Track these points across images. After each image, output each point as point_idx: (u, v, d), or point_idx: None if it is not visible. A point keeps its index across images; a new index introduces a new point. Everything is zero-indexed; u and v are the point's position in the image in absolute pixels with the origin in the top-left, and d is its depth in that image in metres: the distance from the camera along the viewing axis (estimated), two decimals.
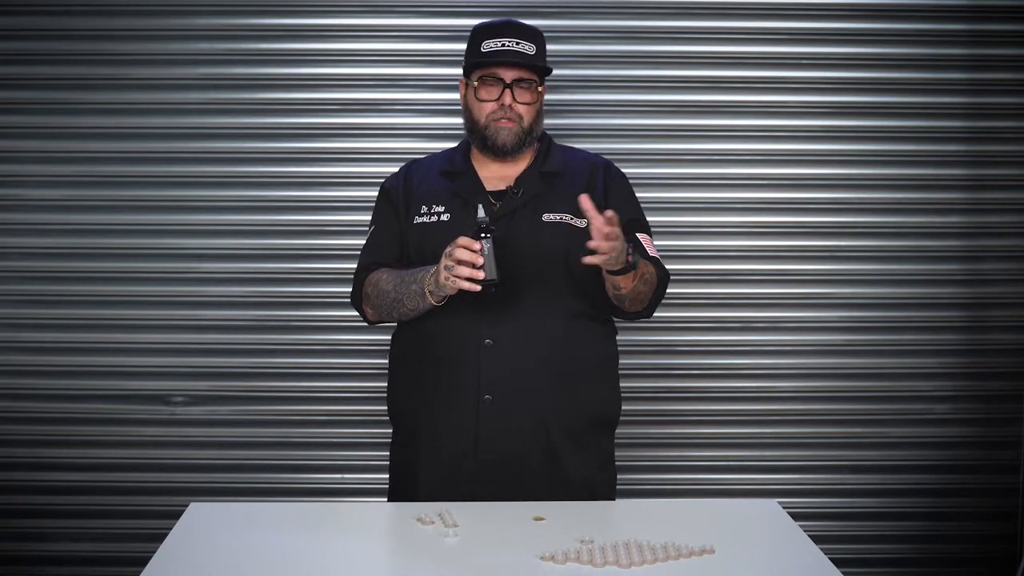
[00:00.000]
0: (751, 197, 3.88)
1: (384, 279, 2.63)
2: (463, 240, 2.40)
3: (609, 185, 2.71)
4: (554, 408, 2.59)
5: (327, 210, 3.84)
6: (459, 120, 3.74)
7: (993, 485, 3.94)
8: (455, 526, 2.31)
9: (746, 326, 3.91)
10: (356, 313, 2.79)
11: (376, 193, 3.76)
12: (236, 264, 3.84)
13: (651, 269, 2.59)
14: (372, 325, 2.83)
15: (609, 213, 2.33)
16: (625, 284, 2.49)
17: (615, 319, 2.74)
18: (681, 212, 3.82)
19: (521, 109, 2.62)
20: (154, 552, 2.21)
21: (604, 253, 2.34)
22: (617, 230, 2.34)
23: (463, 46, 3.74)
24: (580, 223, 2.60)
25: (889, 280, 3.91)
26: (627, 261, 2.42)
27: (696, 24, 3.84)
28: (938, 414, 3.94)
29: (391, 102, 3.84)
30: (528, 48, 2.62)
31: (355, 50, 3.82)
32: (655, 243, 2.71)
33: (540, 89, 2.65)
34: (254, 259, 3.85)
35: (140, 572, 2.11)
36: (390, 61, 3.83)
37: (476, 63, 2.64)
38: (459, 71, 3.74)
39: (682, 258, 3.79)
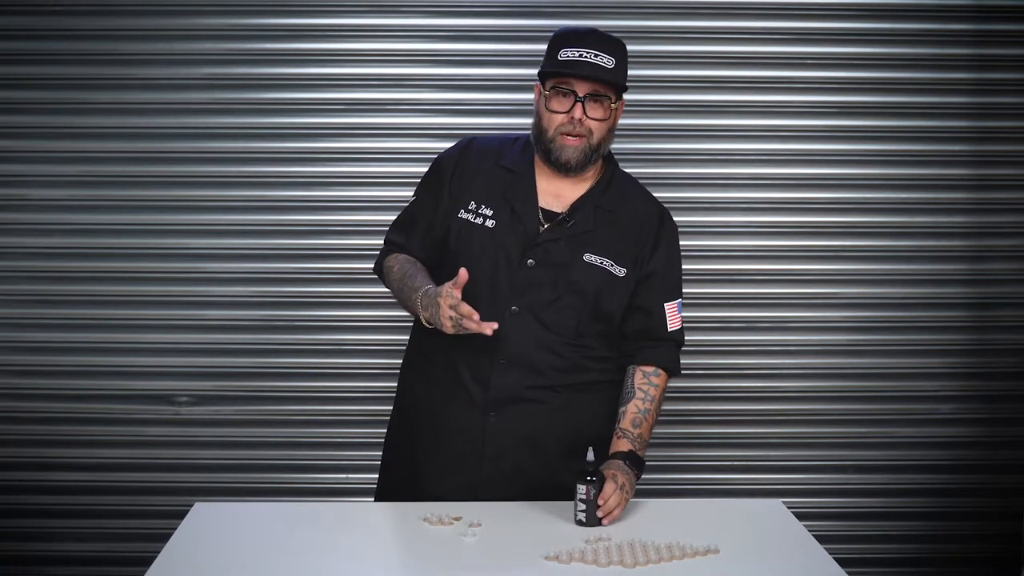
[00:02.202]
0: (755, 197, 3.87)
1: (396, 270, 2.62)
2: (468, 310, 2.36)
3: (658, 244, 2.66)
4: (561, 432, 2.57)
5: (332, 210, 3.84)
6: (465, 120, 3.80)
7: (998, 485, 3.94)
8: (477, 526, 2.31)
9: (750, 326, 3.91)
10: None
11: (375, 193, 3.76)
12: (240, 264, 3.84)
13: (654, 410, 2.61)
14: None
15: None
16: None
17: None
18: (686, 212, 3.80)
19: (592, 125, 2.51)
20: (159, 552, 2.22)
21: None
22: (613, 501, 2.38)
23: (468, 45, 3.79)
24: (619, 272, 2.58)
25: (894, 280, 3.90)
26: (637, 477, 2.50)
27: (701, 24, 3.83)
28: (943, 414, 3.94)
29: (396, 102, 3.84)
30: (607, 61, 2.49)
31: (360, 50, 3.82)
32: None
33: (615, 106, 2.54)
34: (258, 259, 3.85)
35: (144, 572, 2.11)
36: (395, 61, 3.83)
37: (551, 72, 2.51)
38: (464, 71, 3.80)
39: (687, 258, 3.76)
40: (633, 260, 2.61)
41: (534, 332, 2.54)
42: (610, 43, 2.54)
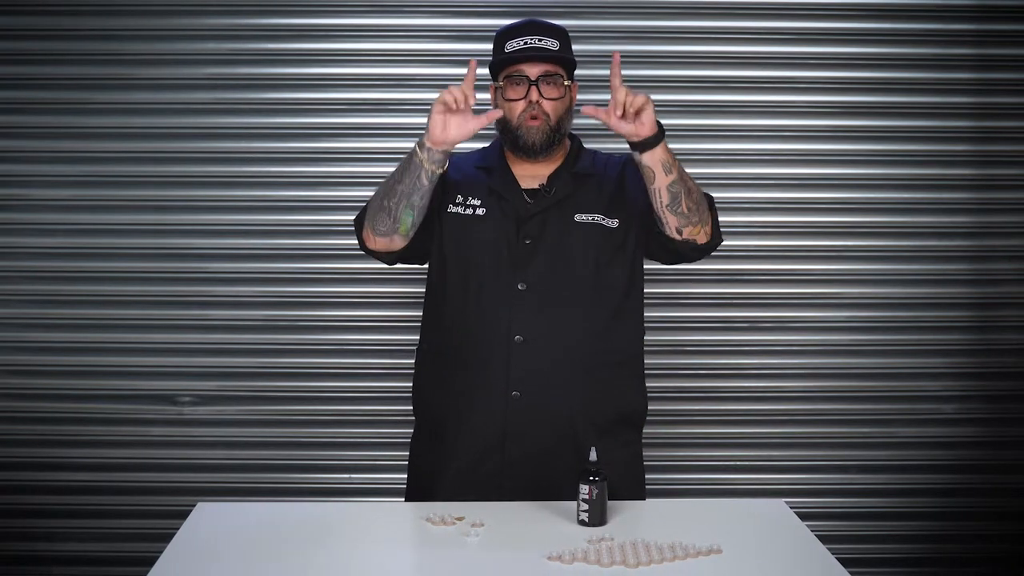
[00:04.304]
0: (757, 197, 3.87)
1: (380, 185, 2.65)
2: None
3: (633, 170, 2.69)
4: (582, 405, 2.59)
5: (334, 210, 3.83)
6: None
7: (1001, 485, 3.94)
8: (480, 525, 2.31)
9: (753, 326, 3.90)
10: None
11: None
12: (243, 264, 3.85)
13: (691, 183, 2.61)
14: (369, 253, 2.71)
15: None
16: (663, 159, 2.49)
17: (686, 258, 2.73)
18: None
19: (548, 106, 2.62)
20: (161, 552, 2.22)
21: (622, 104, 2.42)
22: (638, 100, 2.41)
23: (471, 46, 3.78)
24: (611, 223, 2.63)
25: (896, 280, 3.90)
26: (657, 124, 2.46)
27: (703, 24, 3.83)
28: (946, 414, 3.93)
29: (399, 102, 3.84)
30: (551, 44, 2.62)
31: (362, 50, 3.83)
32: None
33: (568, 84, 2.66)
34: (261, 259, 3.85)
35: (147, 572, 2.11)
36: (397, 61, 3.83)
37: (500, 63, 2.65)
38: (464, 71, 3.78)
39: None
40: (620, 204, 2.66)
41: (544, 306, 2.58)
42: (551, 28, 2.67)
